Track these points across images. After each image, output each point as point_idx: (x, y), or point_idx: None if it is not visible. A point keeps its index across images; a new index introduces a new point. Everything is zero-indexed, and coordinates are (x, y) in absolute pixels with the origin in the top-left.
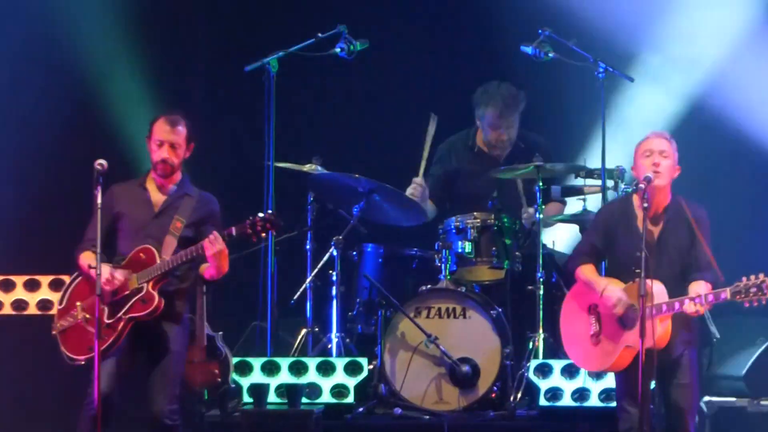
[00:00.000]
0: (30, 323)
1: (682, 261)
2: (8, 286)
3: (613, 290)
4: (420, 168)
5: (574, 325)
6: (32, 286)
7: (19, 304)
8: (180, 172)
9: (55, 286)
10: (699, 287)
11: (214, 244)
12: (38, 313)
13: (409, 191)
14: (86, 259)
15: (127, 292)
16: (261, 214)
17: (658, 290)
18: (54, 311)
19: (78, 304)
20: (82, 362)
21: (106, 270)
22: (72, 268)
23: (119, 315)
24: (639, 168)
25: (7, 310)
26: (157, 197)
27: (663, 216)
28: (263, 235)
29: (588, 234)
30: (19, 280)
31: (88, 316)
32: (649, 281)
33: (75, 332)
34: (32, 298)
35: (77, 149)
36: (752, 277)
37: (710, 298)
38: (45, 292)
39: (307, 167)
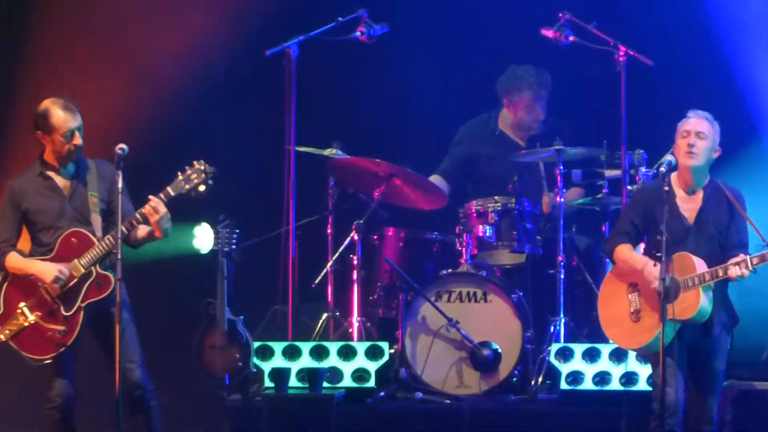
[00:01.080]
0: None
1: (721, 239)
2: None
3: (654, 270)
4: None
5: (614, 305)
6: None
7: None
8: None
9: None
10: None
11: (157, 211)
12: None
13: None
14: (14, 260)
15: (75, 281)
16: (189, 167)
17: (699, 263)
18: None
19: (22, 305)
20: (49, 361)
21: (52, 269)
22: None
23: (77, 304)
24: (675, 147)
25: None
26: (63, 182)
27: (702, 195)
28: (202, 187)
29: (626, 214)
30: None
31: (40, 313)
32: (689, 254)
33: (31, 334)
34: None
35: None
36: None
37: (755, 260)
38: None
39: (328, 151)
